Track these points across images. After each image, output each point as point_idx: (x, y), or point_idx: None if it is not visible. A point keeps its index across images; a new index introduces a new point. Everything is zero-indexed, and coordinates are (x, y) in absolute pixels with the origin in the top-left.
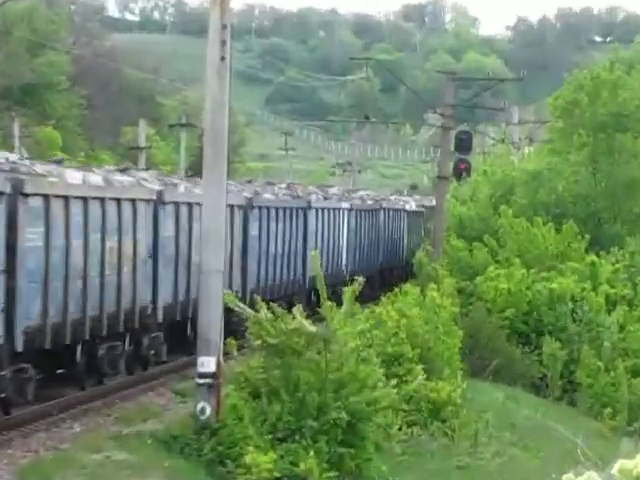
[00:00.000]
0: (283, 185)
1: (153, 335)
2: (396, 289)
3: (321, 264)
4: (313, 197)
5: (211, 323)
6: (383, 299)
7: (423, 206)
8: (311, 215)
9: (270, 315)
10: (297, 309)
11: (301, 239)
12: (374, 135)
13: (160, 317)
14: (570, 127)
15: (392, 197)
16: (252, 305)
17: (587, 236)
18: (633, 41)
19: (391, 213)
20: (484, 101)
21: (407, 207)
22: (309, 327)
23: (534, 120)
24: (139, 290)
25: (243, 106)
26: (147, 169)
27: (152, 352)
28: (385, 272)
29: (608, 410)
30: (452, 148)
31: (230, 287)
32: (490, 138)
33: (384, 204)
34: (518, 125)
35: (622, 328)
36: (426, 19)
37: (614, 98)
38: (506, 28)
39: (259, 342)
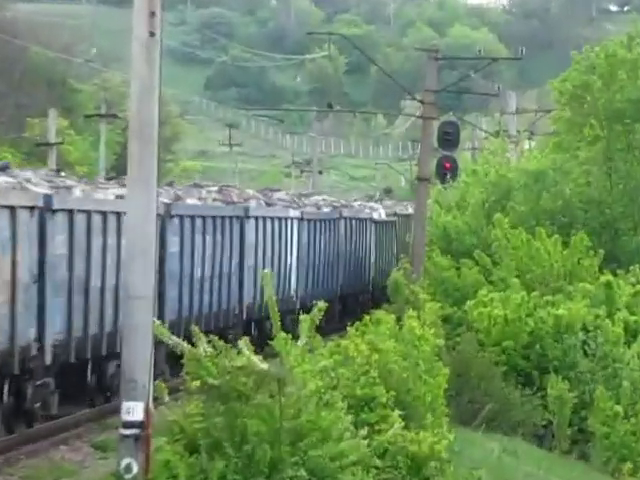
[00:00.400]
0: (214, 188)
1: (39, 382)
2: (366, 317)
3: (262, 288)
4: (252, 203)
5: (138, 360)
6: (350, 329)
7: (396, 214)
8: (249, 226)
9: (211, 350)
10: (244, 342)
11: (236, 257)
12: (339, 127)
13: (48, 359)
14: (580, 117)
15: (356, 203)
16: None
17: (601, 251)
18: None
19: (354, 224)
20: (474, 85)
21: (375, 216)
22: (259, 364)
23: (535, 108)
24: (19, 325)
25: (177, 92)
26: (58, 170)
27: (38, 404)
28: (347, 299)
29: (628, 465)
30: (435, 143)
31: None
32: (482, 131)
33: (345, 212)
34: (516, 114)
35: None
36: None
37: (634, 81)
38: None
39: (197, 383)
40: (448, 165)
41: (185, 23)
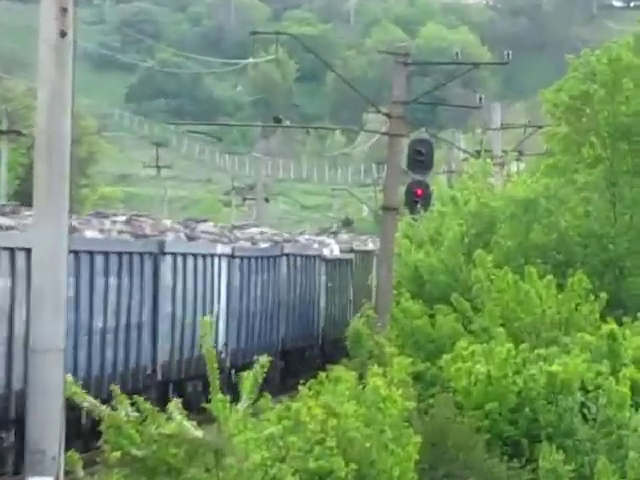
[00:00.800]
0: (121, 218)
1: None
2: (321, 374)
3: (182, 342)
4: (170, 237)
5: (46, 427)
6: (302, 389)
7: (352, 251)
8: (165, 265)
9: (135, 415)
10: (174, 405)
11: (148, 303)
12: (288, 146)
13: None
14: (578, 134)
15: (303, 238)
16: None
17: (604, 294)
18: None
19: (300, 262)
20: (451, 96)
21: (326, 252)
22: (193, 432)
23: (525, 123)
24: None
25: (94, 103)
26: None
27: None
28: (290, 355)
29: None
30: (404, 165)
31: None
32: (460, 150)
33: (288, 248)
34: (501, 130)
35: None
36: None
37: None
38: None
39: (118, 455)
40: (420, 192)
41: (103, 21)
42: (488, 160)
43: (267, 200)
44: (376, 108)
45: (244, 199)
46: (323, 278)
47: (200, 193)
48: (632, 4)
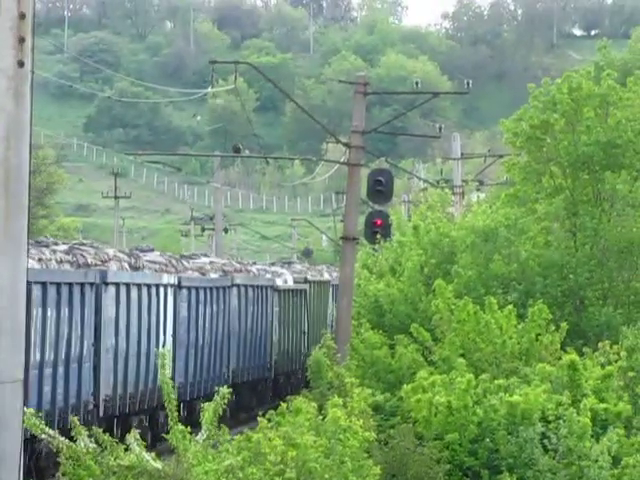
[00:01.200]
0: (62, 247)
1: None
2: (282, 404)
3: (126, 376)
4: (112, 266)
5: (4, 459)
6: (261, 420)
7: (307, 281)
8: (107, 295)
9: (93, 446)
10: (132, 435)
11: (89, 335)
12: (248, 176)
13: None
14: (538, 163)
15: (254, 267)
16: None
17: (564, 325)
18: (629, 36)
19: (251, 293)
20: (411, 125)
21: (279, 283)
22: (152, 463)
23: (485, 153)
24: None
25: (52, 134)
26: None
27: None
28: (240, 388)
29: None
30: (364, 195)
31: None
32: (420, 180)
33: (238, 278)
34: (461, 160)
35: (616, 461)
36: (324, 3)
37: (603, 120)
38: (442, 17)
39: None
40: (379, 222)
41: (61, 51)
42: (447, 190)
43: (226, 230)
44: (335, 138)
45: (203, 229)
46: (276, 309)
47: (159, 223)
48: (592, 32)
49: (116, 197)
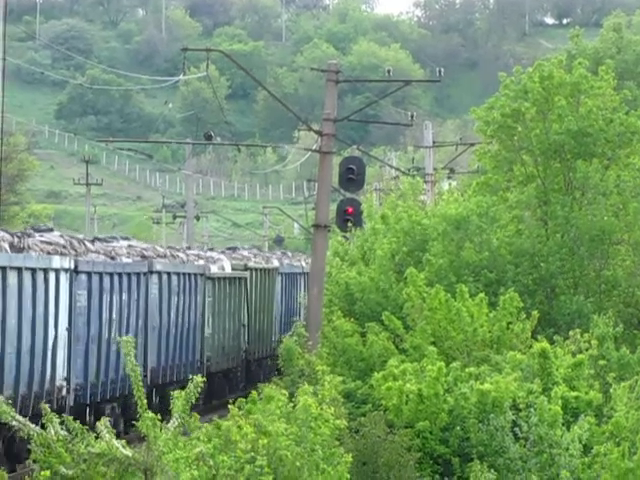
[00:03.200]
0: None
1: None
2: (253, 392)
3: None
4: None
5: None
6: (231, 408)
7: (247, 268)
8: None
9: (64, 433)
10: (103, 423)
11: None
12: (219, 164)
13: None
14: (509, 152)
15: (183, 254)
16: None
17: (535, 313)
18: (601, 25)
19: (175, 280)
20: (383, 113)
21: (214, 270)
22: (122, 450)
23: (456, 141)
24: None
25: (24, 121)
26: None
27: None
28: (162, 391)
29: None
30: (335, 183)
31: None
32: (392, 168)
33: (159, 264)
34: (433, 148)
35: (587, 449)
36: None
37: (574, 109)
38: (414, 5)
39: (47, 474)
40: (351, 210)
41: (33, 38)
42: (419, 178)
43: (198, 218)
44: (307, 126)
45: (174, 217)
46: (209, 299)
47: (130, 211)
48: (565, 21)
49: (87, 184)
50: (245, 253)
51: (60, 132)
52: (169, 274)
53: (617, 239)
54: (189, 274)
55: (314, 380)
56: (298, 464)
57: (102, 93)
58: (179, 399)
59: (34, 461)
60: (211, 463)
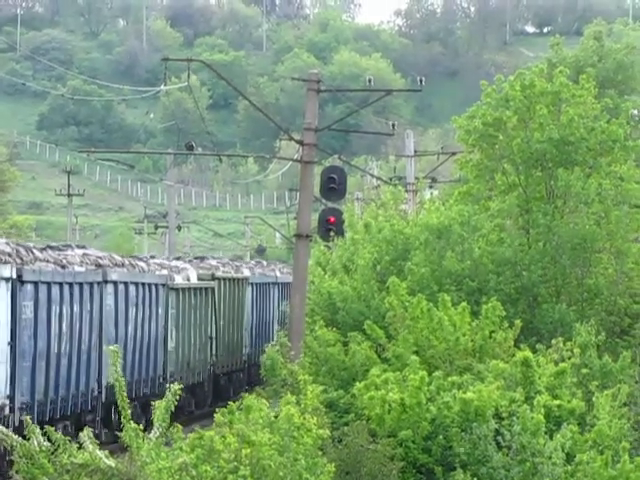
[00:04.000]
0: None
1: None
2: (233, 403)
3: None
4: None
5: None
6: (217, 417)
7: (215, 278)
8: None
9: (47, 444)
10: (86, 433)
11: None
12: (201, 174)
13: None
14: (491, 160)
15: (143, 263)
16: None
17: (518, 322)
18: (582, 33)
19: (133, 291)
20: (364, 123)
21: (179, 280)
22: (105, 461)
23: (438, 151)
24: None
25: (4, 132)
26: None
27: None
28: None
29: None
30: (317, 193)
31: None
32: (373, 177)
33: (114, 274)
34: (414, 157)
35: (570, 458)
36: (277, 1)
37: (556, 117)
38: (395, 14)
39: None
40: (332, 219)
41: (14, 49)
42: (400, 187)
43: (179, 228)
44: (288, 135)
45: (156, 227)
46: (172, 311)
47: (112, 221)
48: (545, 30)
49: (69, 195)
50: (213, 262)
51: (41, 143)
52: (126, 284)
53: (599, 247)
54: (149, 284)
55: (297, 390)
56: (281, 474)
57: (83, 104)
58: (159, 409)
59: (17, 472)
60: (194, 473)
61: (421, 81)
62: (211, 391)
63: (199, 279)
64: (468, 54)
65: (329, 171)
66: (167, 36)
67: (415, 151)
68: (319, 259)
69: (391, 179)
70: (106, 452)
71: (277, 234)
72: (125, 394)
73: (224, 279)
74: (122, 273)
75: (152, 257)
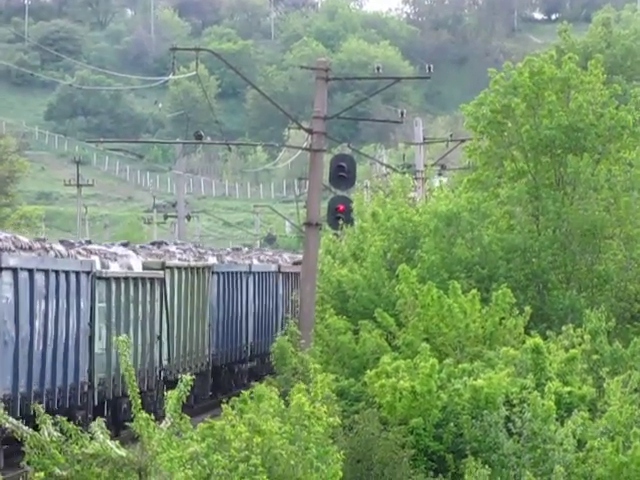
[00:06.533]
0: None
1: None
2: (244, 392)
3: None
4: None
5: None
6: (225, 407)
7: (165, 267)
8: None
9: (58, 435)
10: (97, 424)
11: None
12: (210, 163)
13: None
14: (500, 147)
15: (66, 246)
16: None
17: (528, 308)
18: (590, 19)
19: (42, 280)
20: (373, 111)
21: (115, 268)
22: (116, 451)
23: (447, 138)
24: None
25: (14, 122)
26: None
27: None
28: (28, 423)
29: None
30: (326, 181)
31: None
32: (382, 165)
33: (13, 259)
34: (423, 145)
35: (581, 444)
36: None
37: (565, 104)
38: (403, 2)
39: (41, 475)
40: (342, 207)
41: (22, 39)
42: (409, 175)
43: (189, 218)
44: (297, 124)
45: (165, 217)
46: (100, 305)
47: (121, 211)
48: (554, 17)
49: (78, 185)
50: (173, 249)
51: (50, 133)
52: (31, 271)
53: (608, 234)
54: (67, 272)
55: (308, 378)
56: (292, 462)
57: (92, 94)
58: (171, 399)
59: (28, 463)
60: (205, 462)
61: (429, 68)
62: (161, 399)
63: (145, 268)
64: (476, 41)
65: (338, 159)
66: (175, 25)
67: (424, 138)
68: (328, 247)
69: (400, 167)
70: (117, 442)
71: (287, 223)
72: (135, 384)
73: (178, 268)
74: (25, 258)
75: (88, 242)
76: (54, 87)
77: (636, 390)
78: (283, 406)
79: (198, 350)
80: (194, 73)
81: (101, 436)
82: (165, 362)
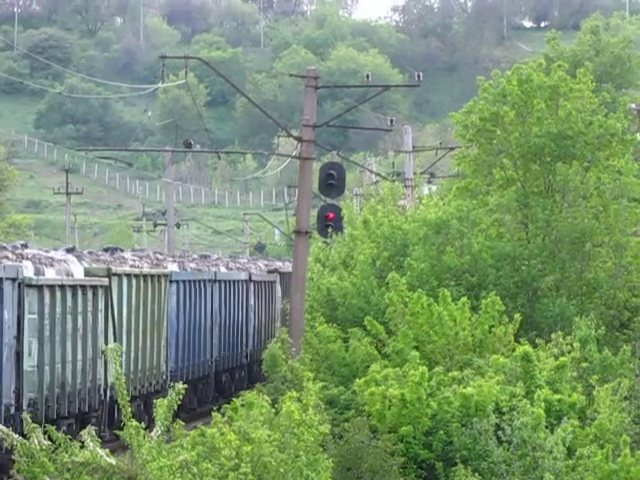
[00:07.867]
0: None
1: None
2: (235, 400)
3: None
4: None
5: None
6: (215, 415)
7: (111, 274)
8: None
9: (47, 443)
10: (87, 432)
11: None
12: (199, 171)
13: None
14: (489, 155)
15: (33, 251)
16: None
17: (517, 316)
18: (579, 27)
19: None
20: (362, 119)
21: (50, 274)
22: (106, 459)
23: (436, 146)
24: None
25: (2, 131)
26: None
27: None
28: None
29: None
30: (315, 189)
31: None
32: (371, 173)
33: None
34: (412, 153)
35: (570, 452)
36: None
37: (553, 112)
38: (392, 9)
39: None
40: (331, 215)
41: (11, 47)
42: (398, 183)
43: (178, 226)
44: (287, 132)
45: (155, 225)
46: (30, 317)
47: (111, 219)
48: (542, 24)
49: (67, 193)
50: (127, 255)
51: (39, 141)
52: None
53: (598, 241)
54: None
55: (298, 386)
56: (282, 470)
57: (81, 102)
58: (161, 407)
59: (18, 471)
60: (195, 471)
61: (419, 76)
62: (106, 421)
63: (87, 274)
64: (465, 49)
65: (328, 167)
66: (164, 33)
67: (413, 146)
68: (318, 255)
69: (390, 175)
70: (107, 450)
71: (276, 231)
72: (125, 393)
73: (127, 275)
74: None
75: (24, 246)
76: (43, 95)
77: (625, 398)
78: (273, 414)
79: (152, 367)
80: (183, 81)
81: (91, 444)
82: (111, 380)
